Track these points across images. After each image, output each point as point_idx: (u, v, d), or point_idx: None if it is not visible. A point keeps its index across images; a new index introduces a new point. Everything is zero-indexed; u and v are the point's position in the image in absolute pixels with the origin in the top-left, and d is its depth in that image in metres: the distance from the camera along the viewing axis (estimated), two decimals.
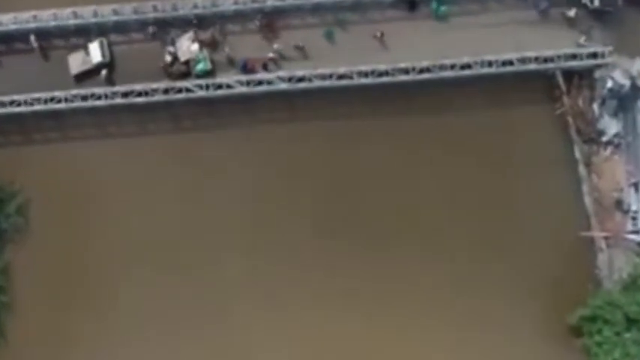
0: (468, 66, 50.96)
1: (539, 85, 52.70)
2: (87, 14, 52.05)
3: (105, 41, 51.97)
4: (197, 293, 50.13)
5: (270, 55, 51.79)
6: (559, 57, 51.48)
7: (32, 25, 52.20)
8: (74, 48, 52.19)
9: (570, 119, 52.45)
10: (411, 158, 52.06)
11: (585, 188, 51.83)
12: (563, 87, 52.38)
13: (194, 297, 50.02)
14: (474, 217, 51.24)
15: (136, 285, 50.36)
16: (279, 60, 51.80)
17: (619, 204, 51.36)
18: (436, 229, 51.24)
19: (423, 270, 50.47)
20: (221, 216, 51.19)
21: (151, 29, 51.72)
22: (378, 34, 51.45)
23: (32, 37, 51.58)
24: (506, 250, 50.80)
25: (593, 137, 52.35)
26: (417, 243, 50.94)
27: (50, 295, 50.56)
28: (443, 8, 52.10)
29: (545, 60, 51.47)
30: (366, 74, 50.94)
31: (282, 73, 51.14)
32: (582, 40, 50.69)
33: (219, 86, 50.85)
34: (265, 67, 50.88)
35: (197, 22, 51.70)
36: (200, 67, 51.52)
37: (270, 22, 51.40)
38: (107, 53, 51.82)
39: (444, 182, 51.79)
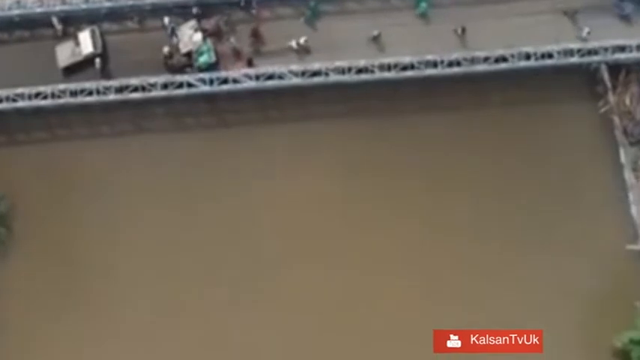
0: (503, 59, 47.21)
1: (581, 80, 49.09)
2: None
3: (97, 30, 48.68)
4: (203, 309, 46.51)
5: (294, 45, 48.41)
6: (605, 49, 47.60)
7: (15, 12, 48.80)
8: (62, 38, 49.00)
9: (616, 119, 48.67)
10: (440, 159, 48.44)
11: (632, 196, 47.89)
12: (609, 83, 48.69)
13: (199, 313, 46.38)
14: (505, 227, 47.41)
15: (135, 302, 46.73)
16: (303, 53, 48.45)
17: None
18: (464, 241, 47.36)
19: (452, 287, 46.58)
20: (227, 223, 47.80)
21: (194, 10, 48.58)
22: (459, 30, 47.53)
23: (55, 20, 48.71)
24: (542, 264, 46.92)
25: None
26: (450, 253, 47.10)
27: (37, 314, 46.75)
28: (423, 4, 48.41)
29: (589, 52, 47.68)
30: (388, 67, 47.18)
31: (294, 67, 47.52)
32: (585, 32, 47.36)
33: (225, 80, 47.51)
34: (250, 64, 47.88)
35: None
36: (203, 59, 48.11)
37: (256, 29, 48.72)
38: (99, 43, 48.43)
39: (475, 186, 48.05)
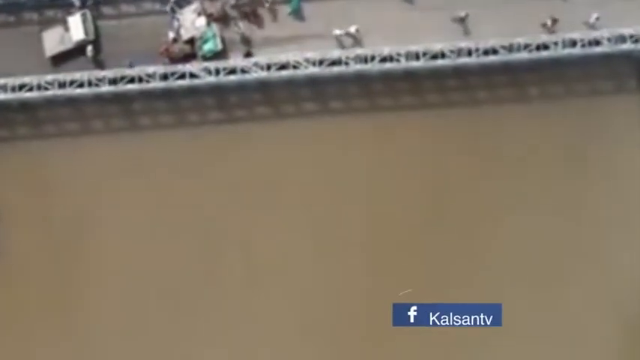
0: (544, 46, 44.82)
1: (629, 70, 46.55)
2: None
3: (88, 14, 47.06)
4: (201, 314, 45.25)
5: (338, 32, 45.63)
6: None
7: None
8: (50, 23, 47.43)
9: None
10: (471, 158, 46.36)
11: None
12: None
13: (198, 317, 45.24)
14: (542, 226, 45.16)
15: (132, 319, 45.42)
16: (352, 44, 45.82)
17: None
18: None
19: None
20: (232, 226, 46.20)
21: None
22: (549, 22, 44.79)
23: None
24: (582, 277, 44.65)
25: None
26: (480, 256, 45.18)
27: (25, 330, 45.50)
28: None
29: None
30: (416, 56, 44.95)
31: (310, 55, 45.28)
32: (594, 18, 44.56)
33: (232, 71, 45.68)
34: (248, 56, 46.06)
35: None
36: (208, 46, 46.23)
37: (256, 10, 46.75)
38: (91, 29, 46.92)
39: (508, 183, 45.89)
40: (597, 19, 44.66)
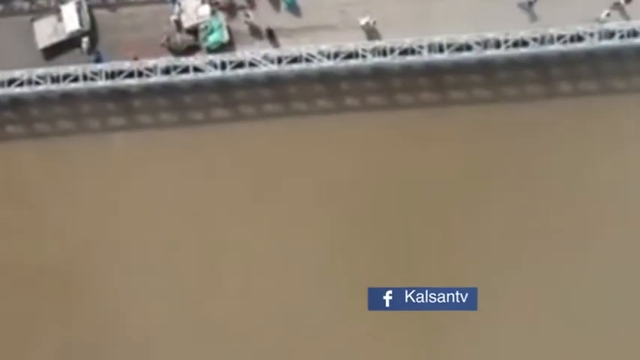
0: (578, 37, 43.33)
1: None
2: None
3: (83, 3, 46.23)
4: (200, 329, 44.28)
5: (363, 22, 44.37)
6: None
7: None
8: (42, 12, 46.64)
9: None
10: (501, 158, 45.06)
11: None
12: None
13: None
14: (569, 225, 44.06)
15: (130, 318, 44.22)
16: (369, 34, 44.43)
17: None
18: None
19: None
20: (232, 225, 45.36)
21: None
22: (622, 1, 43.30)
23: None
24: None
25: None
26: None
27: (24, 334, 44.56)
28: None
29: None
30: (440, 48, 43.36)
31: (324, 47, 43.74)
32: (604, 14, 42.89)
33: (239, 64, 44.66)
34: (271, 36, 44.90)
35: None
36: (213, 38, 45.21)
37: None
38: (86, 19, 46.03)
39: (526, 188, 44.63)
40: (608, 15, 42.94)
